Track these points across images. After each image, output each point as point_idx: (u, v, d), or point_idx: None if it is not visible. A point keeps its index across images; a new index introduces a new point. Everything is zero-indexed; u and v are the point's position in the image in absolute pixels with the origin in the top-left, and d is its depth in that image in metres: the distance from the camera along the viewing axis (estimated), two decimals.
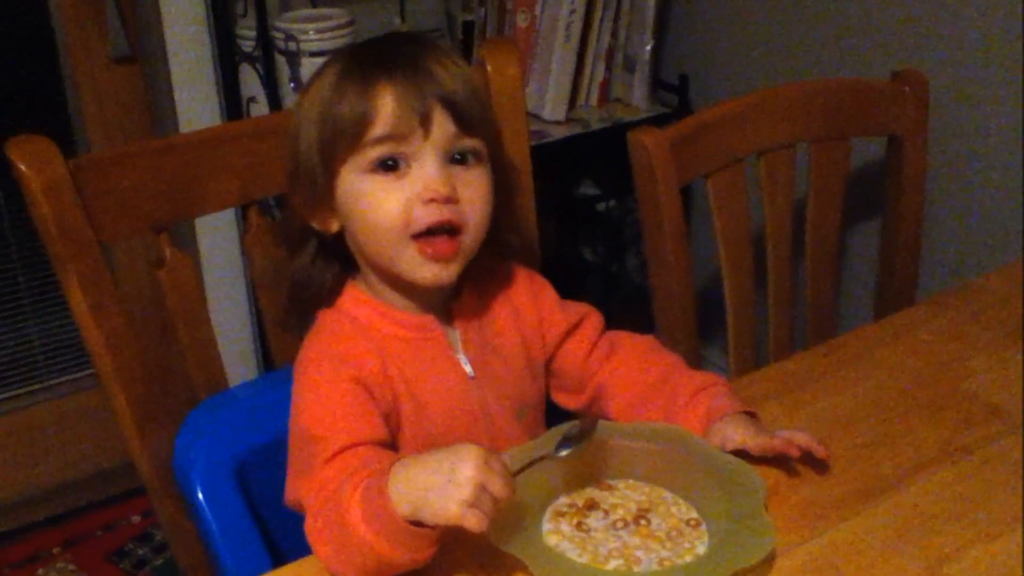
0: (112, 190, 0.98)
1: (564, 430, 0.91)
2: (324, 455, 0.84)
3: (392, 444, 0.90)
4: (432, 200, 0.89)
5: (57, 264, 0.95)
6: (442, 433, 0.95)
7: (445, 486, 0.75)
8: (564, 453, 0.88)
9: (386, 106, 0.88)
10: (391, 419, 0.92)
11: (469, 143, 0.92)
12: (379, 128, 0.89)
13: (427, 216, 0.89)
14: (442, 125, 0.89)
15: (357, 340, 0.93)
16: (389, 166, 0.90)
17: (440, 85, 0.90)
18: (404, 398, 0.93)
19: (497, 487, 0.75)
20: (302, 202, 0.94)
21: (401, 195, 0.89)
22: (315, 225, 0.95)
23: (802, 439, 0.92)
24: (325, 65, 0.95)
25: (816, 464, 0.93)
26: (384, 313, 0.96)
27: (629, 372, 1.02)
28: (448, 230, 0.90)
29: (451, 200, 0.90)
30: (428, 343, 0.96)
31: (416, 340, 0.96)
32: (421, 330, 0.96)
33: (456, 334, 0.98)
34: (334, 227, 0.95)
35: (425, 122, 0.89)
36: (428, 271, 0.91)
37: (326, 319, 0.96)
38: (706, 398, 0.96)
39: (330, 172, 0.91)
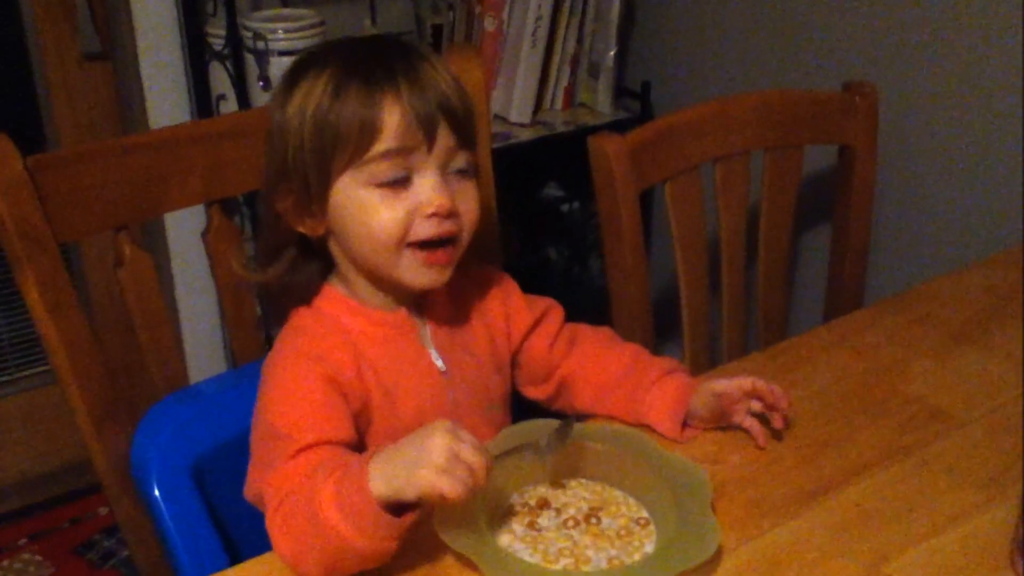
0: (71, 188, 0.98)
1: (542, 426, 0.93)
2: (289, 451, 0.85)
3: (358, 445, 0.91)
4: (435, 215, 0.89)
5: (14, 263, 0.95)
6: (412, 427, 0.92)
7: (418, 457, 0.77)
8: (546, 446, 0.90)
9: (392, 118, 0.87)
10: (363, 415, 0.93)
11: (465, 155, 0.92)
12: (386, 142, 0.88)
13: (428, 229, 0.90)
14: (444, 138, 0.89)
15: (331, 337, 0.94)
16: (394, 182, 0.89)
17: (443, 96, 0.89)
18: (376, 393, 0.94)
19: (469, 455, 0.77)
20: (288, 206, 0.92)
21: (402, 208, 0.89)
22: (301, 229, 0.94)
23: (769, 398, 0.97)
24: (310, 64, 0.92)
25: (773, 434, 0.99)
26: (358, 311, 0.96)
27: (594, 361, 1.05)
28: (446, 242, 0.91)
29: (452, 214, 0.90)
30: (401, 339, 0.97)
31: (389, 336, 0.97)
32: (394, 327, 0.97)
33: (427, 330, 0.99)
34: (321, 231, 0.94)
35: (430, 136, 0.88)
36: (426, 277, 0.92)
37: (301, 317, 0.96)
38: (674, 379, 1.00)
39: (326, 179, 0.90)
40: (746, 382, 0.97)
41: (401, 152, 0.88)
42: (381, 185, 0.89)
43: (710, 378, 1.00)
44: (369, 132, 0.87)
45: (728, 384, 0.97)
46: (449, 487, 0.76)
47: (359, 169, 0.89)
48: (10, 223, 0.93)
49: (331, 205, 0.91)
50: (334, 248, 0.96)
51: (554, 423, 0.95)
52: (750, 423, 0.99)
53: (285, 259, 0.96)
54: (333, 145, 0.88)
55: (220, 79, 1.77)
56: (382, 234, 0.90)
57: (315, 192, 0.91)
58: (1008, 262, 1.32)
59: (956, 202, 1.61)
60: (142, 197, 1.04)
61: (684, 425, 1.00)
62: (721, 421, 1.00)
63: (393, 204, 0.89)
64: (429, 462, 0.76)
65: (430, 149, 0.89)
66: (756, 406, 0.98)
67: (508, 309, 1.06)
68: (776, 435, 0.99)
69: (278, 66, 1.69)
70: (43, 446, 2.05)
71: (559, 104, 2.01)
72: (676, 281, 1.36)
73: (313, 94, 0.89)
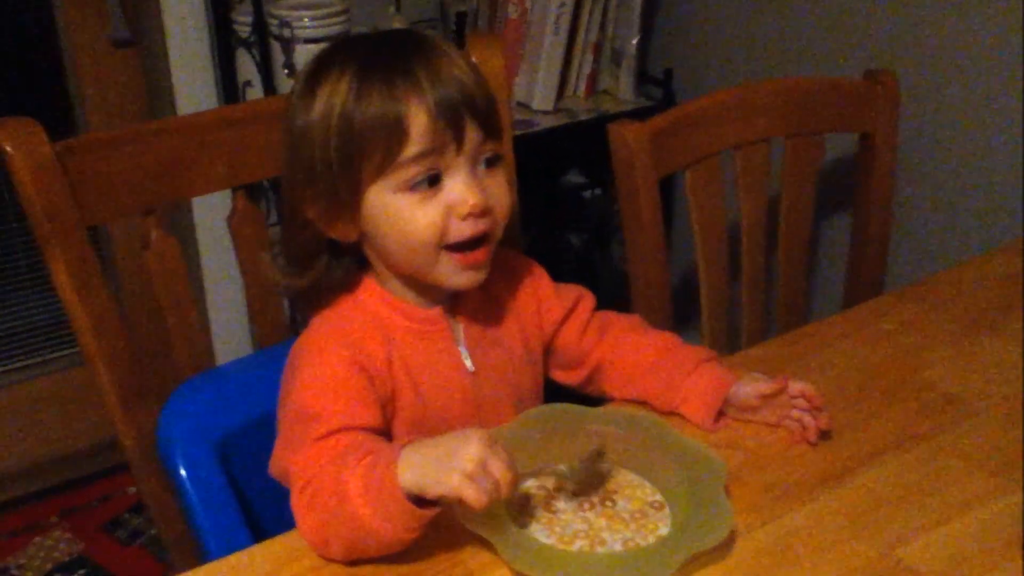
0: (99, 173, 0.99)
1: (559, 411, 0.95)
2: (317, 433, 0.86)
3: (386, 432, 0.92)
4: (470, 214, 0.89)
5: (43, 245, 0.96)
6: (438, 423, 0.96)
7: (449, 459, 0.77)
8: (571, 473, 0.91)
9: (419, 120, 0.86)
10: (388, 407, 0.93)
11: (493, 147, 0.91)
12: (414, 145, 0.86)
13: (465, 230, 0.89)
14: (471, 134, 0.88)
15: (365, 327, 0.94)
16: (427, 183, 0.88)
17: (465, 90, 0.88)
18: (404, 387, 0.94)
19: (498, 468, 0.77)
20: (319, 213, 0.91)
21: (436, 209, 0.88)
22: (333, 235, 0.93)
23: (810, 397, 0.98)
24: (328, 66, 0.90)
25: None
26: (393, 305, 0.96)
27: (627, 347, 1.05)
28: (482, 240, 0.91)
29: (486, 212, 0.90)
30: (433, 335, 0.97)
31: (422, 332, 0.97)
32: (428, 323, 0.97)
33: (459, 328, 0.99)
34: (354, 236, 0.93)
35: (458, 135, 0.87)
36: (464, 278, 0.92)
37: (339, 303, 0.96)
38: (710, 369, 1.01)
39: (355, 187, 0.89)
40: (796, 386, 0.97)
41: (431, 153, 0.87)
42: (413, 188, 0.88)
43: (754, 374, 1.00)
44: (397, 137, 0.86)
45: (775, 386, 0.98)
46: (473, 496, 0.76)
47: (390, 175, 0.88)
48: (39, 207, 0.94)
49: (363, 211, 0.90)
50: (368, 250, 0.95)
51: (573, 409, 0.97)
52: (789, 423, 0.99)
53: (320, 264, 0.95)
54: (361, 152, 0.87)
55: (246, 66, 1.79)
56: (419, 239, 0.89)
57: (345, 199, 0.90)
58: None
59: (975, 190, 1.60)
60: (169, 181, 1.04)
61: (718, 415, 1.00)
62: (760, 418, 1.00)
63: (427, 206, 0.88)
64: (459, 467, 0.76)
65: (459, 148, 0.88)
66: (796, 414, 0.98)
67: (539, 300, 1.05)
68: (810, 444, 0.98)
69: (303, 53, 1.70)
70: (73, 425, 2.08)
71: (582, 91, 2.01)
72: (696, 267, 1.36)
73: (335, 99, 0.87)
